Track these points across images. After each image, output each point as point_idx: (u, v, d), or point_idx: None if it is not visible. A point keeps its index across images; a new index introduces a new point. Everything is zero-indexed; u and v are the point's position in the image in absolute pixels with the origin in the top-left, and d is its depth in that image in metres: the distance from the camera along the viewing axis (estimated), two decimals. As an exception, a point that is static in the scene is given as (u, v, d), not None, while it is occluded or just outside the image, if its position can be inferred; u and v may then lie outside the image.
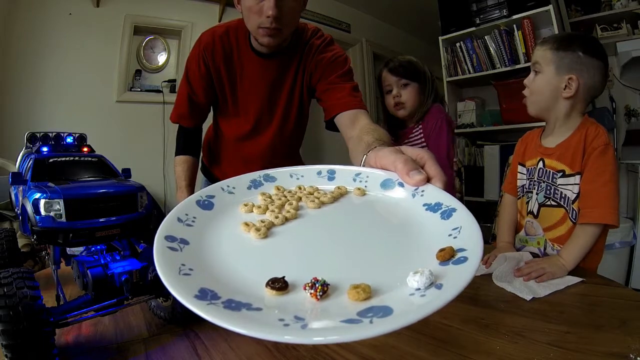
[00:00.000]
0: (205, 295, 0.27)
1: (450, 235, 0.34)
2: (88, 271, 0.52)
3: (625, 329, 0.52)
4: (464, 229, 0.33)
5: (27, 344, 0.44)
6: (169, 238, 0.34)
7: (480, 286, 0.73)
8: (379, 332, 0.23)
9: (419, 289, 0.27)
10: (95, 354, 0.54)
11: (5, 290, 0.44)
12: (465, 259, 0.29)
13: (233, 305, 0.26)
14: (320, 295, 0.27)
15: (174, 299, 0.57)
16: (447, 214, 0.36)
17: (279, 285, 0.28)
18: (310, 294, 0.28)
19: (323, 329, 0.24)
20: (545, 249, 0.94)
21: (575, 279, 0.72)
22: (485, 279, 0.76)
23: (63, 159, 0.66)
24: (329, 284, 0.28)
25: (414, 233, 0.37)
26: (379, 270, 0.32)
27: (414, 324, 0.24)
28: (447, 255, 0.30)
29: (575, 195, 0.87)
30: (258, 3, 0.85)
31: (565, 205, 0.90)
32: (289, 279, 0.29)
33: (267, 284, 0.29)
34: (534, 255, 0.95)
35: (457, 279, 0.27)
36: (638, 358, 0.44)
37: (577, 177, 0.86)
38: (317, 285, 0.28)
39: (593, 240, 0.82)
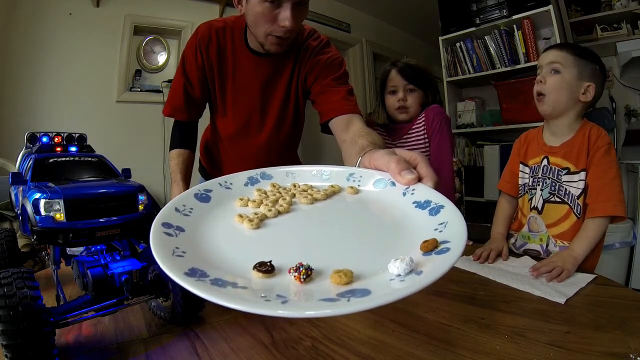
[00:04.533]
0: (194, 273, 0.29)
1: (436, 229, 0.35)
2: (88, 271, 0.52)
3: (625, 329, 0.52)
4: (450, 224, 0.34)
5: (27, 344, 0.44)
6: (166, 225, 0.36)
7: (480, 286, 0.73)
8: (354, 310, 0.24)
9: (399, 274, 0.28)
10: (95, 354, 0.54)
11: (5, 290, 0.44)
12: (447, 249, 0.30)
13: (220, 283, 0.28)
14: (304, 279, 0.29)
15: (174, 299, 0.58)
16: (435, 210, 0.37)
17: (266, 268, 0.30)
18: (295, 277, 0.29)
19: (301, 305, 0.26)
20: (547, 245, 0.96)
21: (590, 276, 0.74)
22: (485, 279, 0.76)
23: (63, 159, 0.66)
24: (313, 269, 0.30)
25: (401, 227, 0.38)
26: (363, 258, 0.33)
27: (392, 303, 0.25)
28: (431, 246, 0.31)
29: (580, 191, 0.91)
30: (272, 11, 0.83)
31: (569, 202, 0.93)
32: (276, 264, 0.31)
33: (255, 267, 0.30)
34: (536, 252, 0.97)
35: (437, 267, 0.28)
36: (638, 358, 0.44)
37: (582, 174, 0.91)
38: (301, 269, 0.29)
39: (602, 232, 0.87)
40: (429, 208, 0.38)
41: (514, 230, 1.05)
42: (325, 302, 0.25)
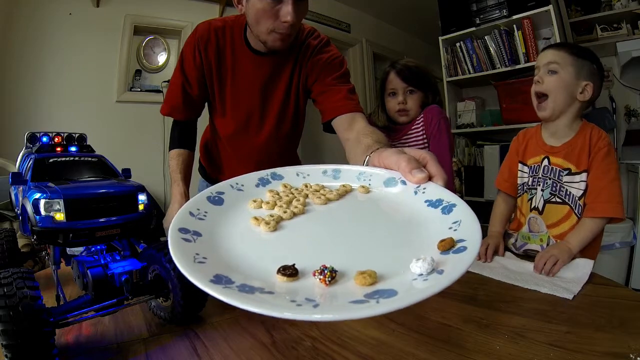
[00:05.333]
0: (220, 280, 0.29)
1: (450, 228, 0.35)
2: (88, 271, 0.52)
3: (625, 329, 0.52)
4: (464, 222, 0.35)
5: (27, 344, 0.44)
6: (183, 230, 0.36)
7: (480, 286, 0.73)
8: (385, 310, 0.25)
9: (422, 274, 0.29)
10: (95, 354, 0.53)
11: (5, 290, 0.44)
12: (464, 248, 0.31)
13: (247, 289, 0.28)
14: (329, 281, 0.29)
15: (174, 299, 0.58)
16: (448, 209, 0.38)
17: (290, 272, 0.30)
18: (320, 279, 0.29)
19: (334, 308, 0.26)
20: (547, 245, 0.96)
21: (589, 261, 0.76)
22: (486, 279, 0.76)
23: (63, 159, 0.66)
24: (337, 271, 0.30)
25: (417, 226, 0.38)
26: (383, 258, 0.33)
27: (414, 305, 0.25)
28: (448, 245, 0.32)
29: (581, 192, 0.92)
30: (273, 7, 0.83)
31: (570, 203, 0.94)
32: (298, 267, 0.31)
33: (278, 271, 0.30)
34: (536, 252, 0.96)
35: (457, 265, 0.29)
36: (638, 358, 0.44)
37: (584, 175, 0.92)
38: (325, 271, 0.29)
39: (599, 231, 0.88)
40: (441, 207, 0.39)
41: (513, 229, 1.05)
42: (356, 305, 0.25)
